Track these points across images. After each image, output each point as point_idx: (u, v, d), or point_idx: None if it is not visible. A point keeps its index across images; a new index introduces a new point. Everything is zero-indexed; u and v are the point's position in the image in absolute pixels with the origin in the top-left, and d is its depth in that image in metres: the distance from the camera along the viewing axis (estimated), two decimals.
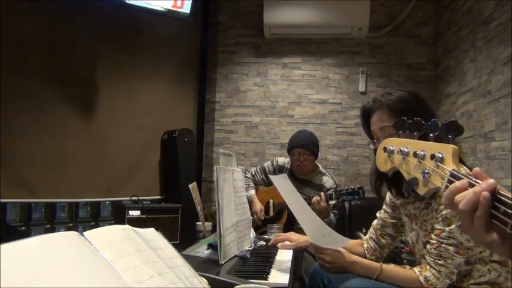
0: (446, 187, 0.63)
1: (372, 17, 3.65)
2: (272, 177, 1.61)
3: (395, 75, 3.90)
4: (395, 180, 1.32)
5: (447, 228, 1.15)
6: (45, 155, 2.77)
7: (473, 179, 0.59)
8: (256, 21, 3.95)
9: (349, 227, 3.34)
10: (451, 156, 0.66)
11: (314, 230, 1.42)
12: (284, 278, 1.23)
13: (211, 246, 1.51)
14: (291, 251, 1.64)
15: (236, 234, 1.49)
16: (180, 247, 1.11)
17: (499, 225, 0.53)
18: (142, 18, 3.30)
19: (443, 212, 1.16)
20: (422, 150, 0.72)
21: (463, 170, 1.17)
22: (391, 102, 1.30)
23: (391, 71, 3.91)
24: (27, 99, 2.69)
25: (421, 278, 1.19)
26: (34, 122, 2.72)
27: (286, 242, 1.73)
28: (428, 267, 1.20)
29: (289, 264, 1.43)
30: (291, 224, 2.42)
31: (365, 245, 1.58)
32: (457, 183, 0.60)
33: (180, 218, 2.80)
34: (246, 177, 2.77)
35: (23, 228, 2.85)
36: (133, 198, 2.78)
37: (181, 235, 2.77)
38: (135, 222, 2.57)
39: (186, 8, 3.30)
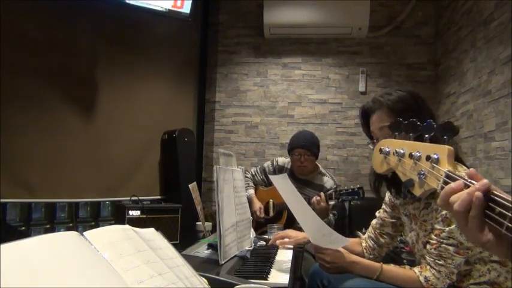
0: (442, 188, 0.63)
1: (372, 17, 3.65)
2: (272, 177, 1.61)
3: (395, 75, 3.90)
4: (394, 181, 1.32)
5: (447, 228, 1.15)
6: (45, 155, 2.77)
7: (468, 180, 0.59)
8: (256, 21, 3.95)
9: (349, 227, 3.34)
10: (447, 157, 0.66)
11: (314, 230, 1.42)
12: (284, 278, 1.23)
13: (211, 246, 1.51)
14: (291, 251, 1.64)
15: (236, 234, 1.49)
16: (180, 247, 1.11)
17: (495, 226, 0.54)
18: (142, 18, 3.30)
19: (443, 212, 1.16)
20: (417, 152, 0.72)
21: (462, 169, 1.18)
22: (391, 102, 1.30)
23: (391, 71, 3.91)
24: (27, 99, 2.69)
25: (421, 278, 1.19)
26: (34, 122, 2.72)
27: (285, 239, 1.73)
28: (428, 267, 1.20)
29: (289, 264, 1.43)
30: (291, 224, 2.42)
31: (363, 244, 1.58)
32: (452, 185, 0.60)
33: (180, 218, 2.80)
34: (246, 177, 2.77)
35: (23, 228, 2.85)
36: (133, 198, 2.78)
37: (181, 235, 2.77)
38: (135, 222, 2.57)
39: (186, 8, 3.30)
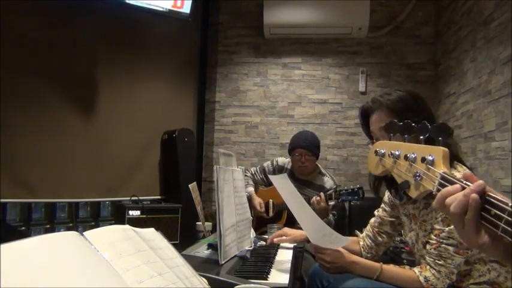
0: (438, 190, 0.63)
1: (372, 17, 3.65)
2: (272, 178, 1.61)
3: (395, 75, 3.90)
4: (394, 181, 1.32)
5: (447, 228, 1.15)
6: (45, 155, 2.77)
7: (464, 182, 0.59)
8: (256, 21, 3.95)
9: (349, 227, 3.34)
10: (442, 159, 0.66)
11: (314, 230, 1.42)
12: (284, 278, 1.23)
13: (211, 246, 1.51)
14: (291, 251, 1.64)
15: (236, 234, 1.49)
16: (180, 247, 1.11)
17: (490, 227, 0.53)
18: (143, 18, 3.30)
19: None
20: (413, 153, 0.71)
21: (462, 169, 1.18)
22: (390, 102, 1.30)
23: (391, 71, 3.91)
24: (27, 99, 2.69)
25: (421, 278, 1.19)
26: (34, 122, 2.72)
27: (283, 237, 1.73)
28: (428, 267, 1.20)
29: (289, 265, 1.43)
30: (291, 224, 2.42)
31: (361, 243, 1.58)
32: (449, 188, 0.60)
33: (180, 218, 2.80)
34: (246, 175, 2.76)
35: (23, 228, 2.85)
36: (133, 198, 2.78)
37: (181, 235, 2.77)
38: (135, 222, 2.57)
39: (186, 8, 3.31)
